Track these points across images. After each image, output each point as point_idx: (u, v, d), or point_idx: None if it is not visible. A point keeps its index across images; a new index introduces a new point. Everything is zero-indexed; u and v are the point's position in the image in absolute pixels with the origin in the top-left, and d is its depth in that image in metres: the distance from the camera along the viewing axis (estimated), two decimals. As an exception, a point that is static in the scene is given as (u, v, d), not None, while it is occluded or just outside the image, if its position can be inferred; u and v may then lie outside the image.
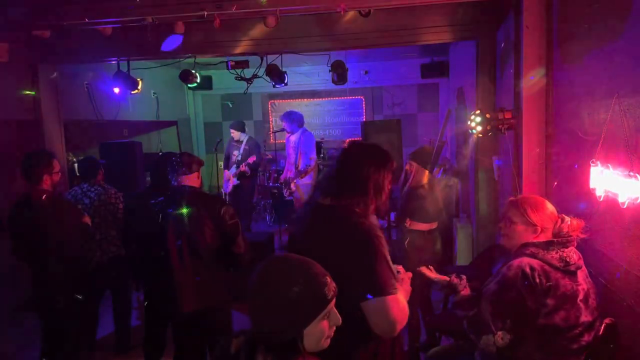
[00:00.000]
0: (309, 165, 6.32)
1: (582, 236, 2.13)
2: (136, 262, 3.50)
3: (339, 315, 1.29)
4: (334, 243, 1.70)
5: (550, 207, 2.21)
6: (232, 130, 7.22)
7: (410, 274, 1.89)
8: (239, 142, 7.16)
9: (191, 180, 2.98)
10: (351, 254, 1.66)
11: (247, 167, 6.83)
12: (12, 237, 3.28)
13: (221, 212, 2.89)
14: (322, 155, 8.10)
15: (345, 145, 1.93)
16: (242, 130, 7.24)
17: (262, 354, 1.20)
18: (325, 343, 1.28)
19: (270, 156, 8.23)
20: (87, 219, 3.55)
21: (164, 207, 2.92)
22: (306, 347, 1.23)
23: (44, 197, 3.20)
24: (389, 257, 1.70)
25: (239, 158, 7.05)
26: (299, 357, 1.22)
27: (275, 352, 1.21)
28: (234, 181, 7.05)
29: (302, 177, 6.33)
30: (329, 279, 1.27)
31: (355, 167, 1.82)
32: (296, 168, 6.40)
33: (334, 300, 1.27)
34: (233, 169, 7.06)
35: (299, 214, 1.99)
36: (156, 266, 2.96)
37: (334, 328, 1.29)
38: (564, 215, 2.20)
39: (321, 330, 1.25)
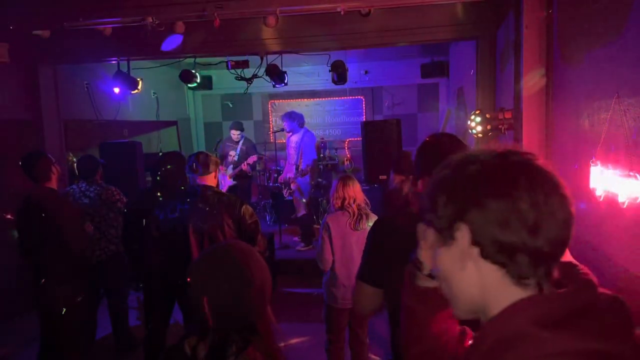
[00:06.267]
0: (310, 165, 6.31)
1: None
2: (137, 262, 3.47)
3: None
4: None
5: None
6: (232, 131, 7.18)
7: None
8: (236, 142, 7.14)
9: (209, 180, 2.99)
10: None
11: (248, 167, 6.82)
12: (18, 233, 3.28)
13: (241, 211, 2.92)
14: (321, 155, 8.08)
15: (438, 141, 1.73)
16: (241, 129, 7.23)
17: (235, 346, 1.23)
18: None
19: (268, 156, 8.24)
20: (90, 227, 3.55)
21: (182, 207, 2.92)
22: (262, 330, 1.28)
23: (50, 195, 3.23)
24: None
25: (236, 158, 7.03)
26: (259, 338, 1.27)
27: (240, 338, 1.23)
28: (229, 182, 7.01)
29: (302, 176, 6.32)
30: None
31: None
32: (297, 168, 6.38)
33: None
34: (230, 169, 7.03)
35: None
36: (175, 265, 2.93)
37: None
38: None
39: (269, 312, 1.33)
